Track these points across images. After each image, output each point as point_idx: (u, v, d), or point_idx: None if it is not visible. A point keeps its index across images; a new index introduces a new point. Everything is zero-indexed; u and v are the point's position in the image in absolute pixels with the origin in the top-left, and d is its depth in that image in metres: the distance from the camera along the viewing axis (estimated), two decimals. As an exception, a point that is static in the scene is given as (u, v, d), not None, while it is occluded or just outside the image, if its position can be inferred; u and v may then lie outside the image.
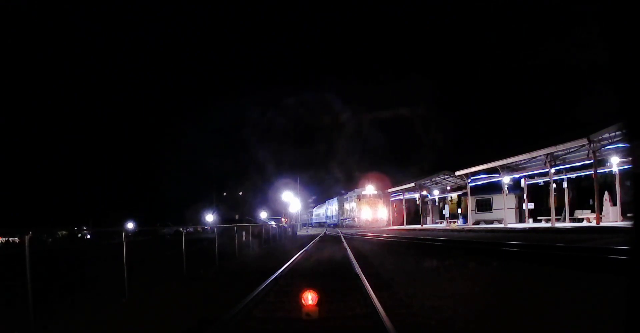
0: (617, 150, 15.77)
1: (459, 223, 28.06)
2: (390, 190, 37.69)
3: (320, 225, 57.51)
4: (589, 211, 18.76)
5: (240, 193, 54.31)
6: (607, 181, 17.84)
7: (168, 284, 7.15)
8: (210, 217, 42.70)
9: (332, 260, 10.60)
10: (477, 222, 25.88)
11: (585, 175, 19.23)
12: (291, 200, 47.67)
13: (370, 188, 39.72)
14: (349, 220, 44.10)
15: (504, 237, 14.04)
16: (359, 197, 40.26)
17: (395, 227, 34.04)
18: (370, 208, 39.13)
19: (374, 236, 22.52)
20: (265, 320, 4.48)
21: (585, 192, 19.76)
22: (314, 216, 65.74)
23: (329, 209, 53.89)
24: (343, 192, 50.54)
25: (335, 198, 50.33)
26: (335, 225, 48.50)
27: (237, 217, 34.48)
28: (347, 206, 45.25)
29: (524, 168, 22.17)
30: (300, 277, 7.35)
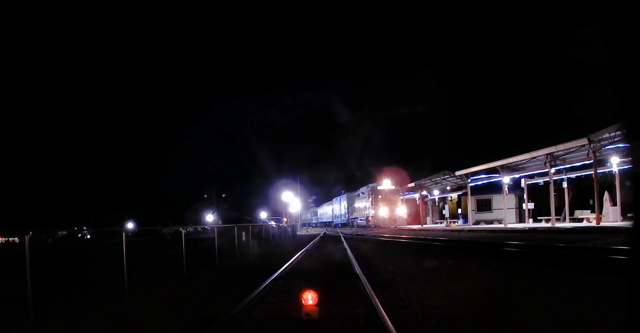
0: (617, 150, 15.76)
1: (459, 223, 28.04)
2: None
3: (326, 225, 54.29)
4: (589, 211, 18.75)
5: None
6: (607, 181, 17.82)
7: (168, 284, 7.15)
8: (210, 217, 42.75)
9: (332, 260, 10.60)
10: (477, 222, 25.87)
11: (585, 175, 19.21)
12: (291, 200, 47.48)
13: (387, 183, 34.90)
14: (360, 220, 39.83)
15: (504, 237, 14.03)
16: (374, 193, 35.41)
17: (395, 227, 33.81)
18: (387, 206, 34.49)
19: (372, 236, 22.51)
20: (266, 320, 4.48)
21: (585, 192, 19.75)
22: (318, 215, 62.41)
23: (337, 208, 50.07)
24: (342, 192, 49.73)
25: (344, 195, 46.28)
26: (344, 225, 44.99)
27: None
28: (358, 204, 40.79)
29: (524, 169, 22.17)
30: (300, 277, 7.34)
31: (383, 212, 34.58)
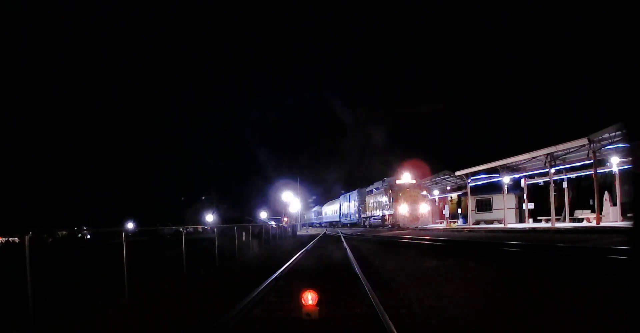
0: (617, 150, 15.74)
1: (459, 223, 28.01)
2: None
3: (332, 225, 50.55)
4: (589, 211, 18.74)
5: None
6: (607, 181, 17.81)
7: (168, 284, 7.15)
8: (210, 217, 42.78)
9: (332, 259, 10.60)
10: (477, 222, 25.85)
11: (585, 175, 19.19)
12: (291, 200, 47.37)
13: (407, 177, 30.72)
14: (374, 219, 35.50)
15: (504, 237, 14.02)
16: (392, 189, 30.98)
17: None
18: (408, 203, 30.11)
19: (372, 236, 22.51)
20: (266, 320, 4.48)
21: (585, 192, 19.73)
22: (322, 214, 58.40)
23: (345, 206, 45.88)
24: (343, 192, 49.27)
25: (355, 192, 41.65)
26: (354, 225, 41.44)
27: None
28: (371, 201, 36.41)
29: (524, 169, 22.16)
30: (300, 277, 7.34)
31: (403, 209, 30.07)
